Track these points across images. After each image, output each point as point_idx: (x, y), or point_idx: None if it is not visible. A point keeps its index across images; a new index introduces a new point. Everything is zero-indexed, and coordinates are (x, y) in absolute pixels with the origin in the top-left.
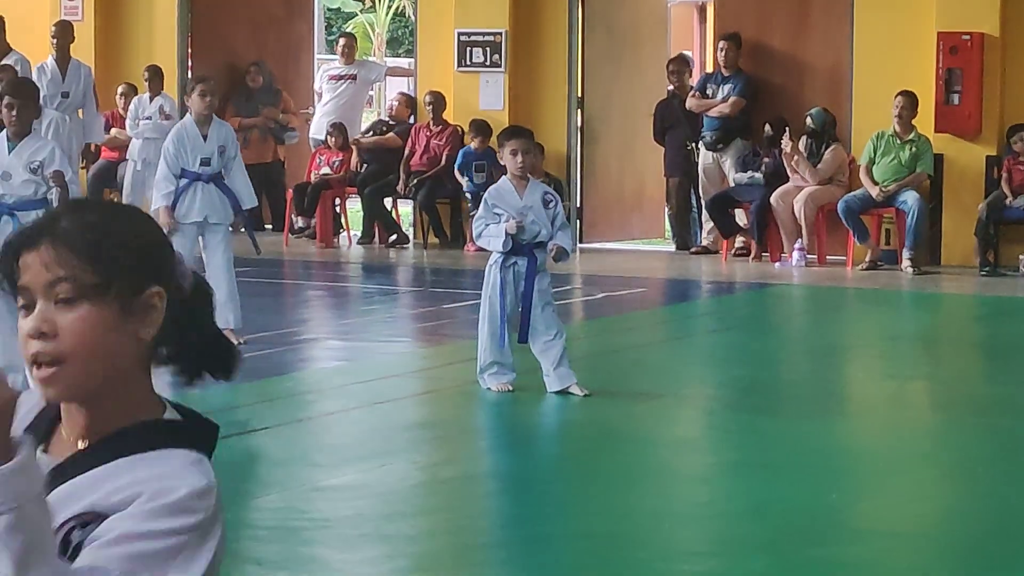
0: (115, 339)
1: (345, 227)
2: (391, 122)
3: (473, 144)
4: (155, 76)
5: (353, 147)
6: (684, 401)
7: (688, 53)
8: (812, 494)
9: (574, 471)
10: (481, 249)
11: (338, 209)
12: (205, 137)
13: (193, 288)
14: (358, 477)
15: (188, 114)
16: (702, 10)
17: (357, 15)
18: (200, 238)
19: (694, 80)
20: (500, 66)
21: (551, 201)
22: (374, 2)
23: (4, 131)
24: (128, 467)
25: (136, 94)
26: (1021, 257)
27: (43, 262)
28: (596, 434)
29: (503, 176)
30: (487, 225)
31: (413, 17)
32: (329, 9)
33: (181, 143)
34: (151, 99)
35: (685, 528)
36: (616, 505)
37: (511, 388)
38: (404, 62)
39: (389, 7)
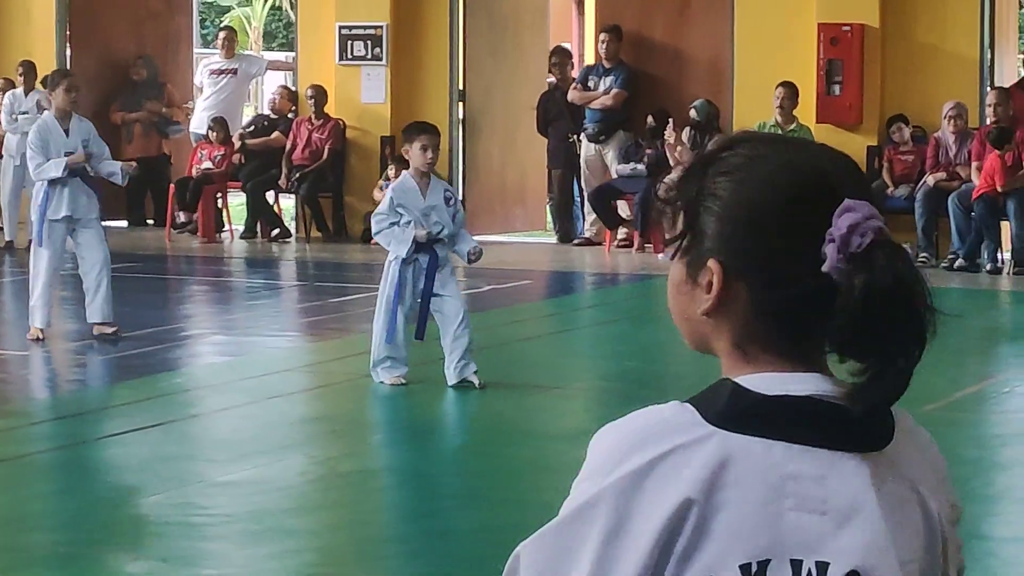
0: (683, 303)
1: (227, 222)
2: (273, 116)
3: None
4: (30, 71)
5: (235, 141)
6: (576, 393)
7: (567, 45)
8: None
9: (471, 464)
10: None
11: (220, 204)
12: (67, 132)
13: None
14: (256, 472)
15: (47, 110)
16: (580, 2)
17: (233, 8)
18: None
19: (576, 72)
20: (381, 59)
21: (451, 199)
22: None
23: None
24: None
25: (14, 88)
26: (903, 245)
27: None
28: (491, 427)
29: (404, 172)
30: (390, 225)
31: (291, 11)
32: (204, 3)
33: (44, 137)
34: (26, 94)
35: None
36: (515, 498)
37: (404, 381)
38: (280, 56)
39: (266, 1)
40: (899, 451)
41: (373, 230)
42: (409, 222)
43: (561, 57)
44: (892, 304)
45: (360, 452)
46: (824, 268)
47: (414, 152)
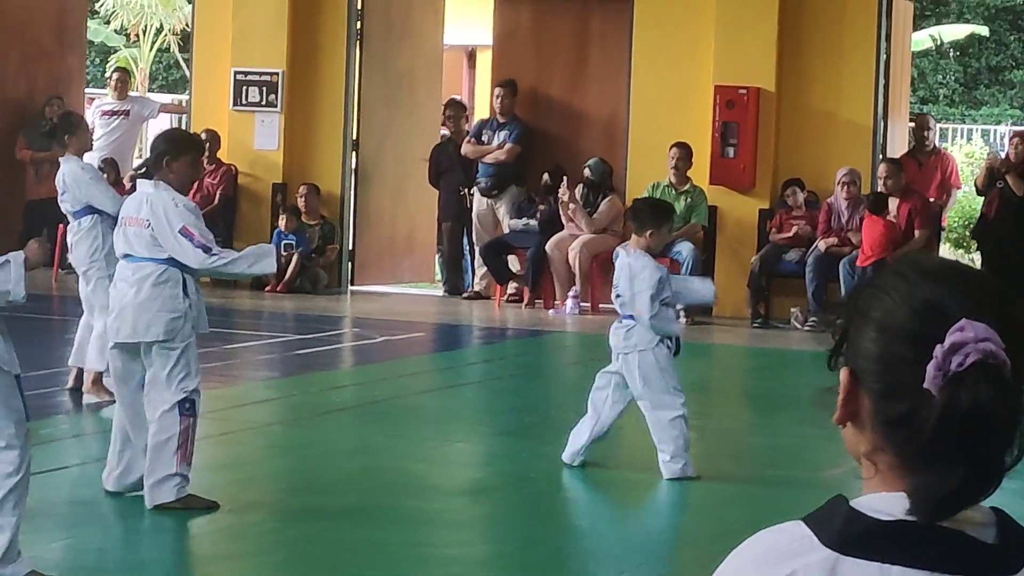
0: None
1: None
2: None
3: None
4: None
5: (126, 183)
6: (477, 447)
7: (456, 97)
8: (612, 549)
9: (375, 518)
10: (270, 288)
11: None
12: None
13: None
14: (167, 519)
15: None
16: (471, 56)
17: (120, 49)
18: None
19: (471, 125)
20: (276, 106)
21: None
22: (139, 37)
23: None
24: None
25: None
26: (792, 310)
27: None
28: (394, 480)
29: (642, 252)
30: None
31: (178, 53)
32: (89, 42)
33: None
34: None
35: None
36: (419, 552)
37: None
38: (165, 98)
39: (153, 43)
40: None
41: (647, 312)
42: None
43: (456, 110)
44: (965, 429)
45: (268, 501)
46: (924, 384)
47: (662, 235)
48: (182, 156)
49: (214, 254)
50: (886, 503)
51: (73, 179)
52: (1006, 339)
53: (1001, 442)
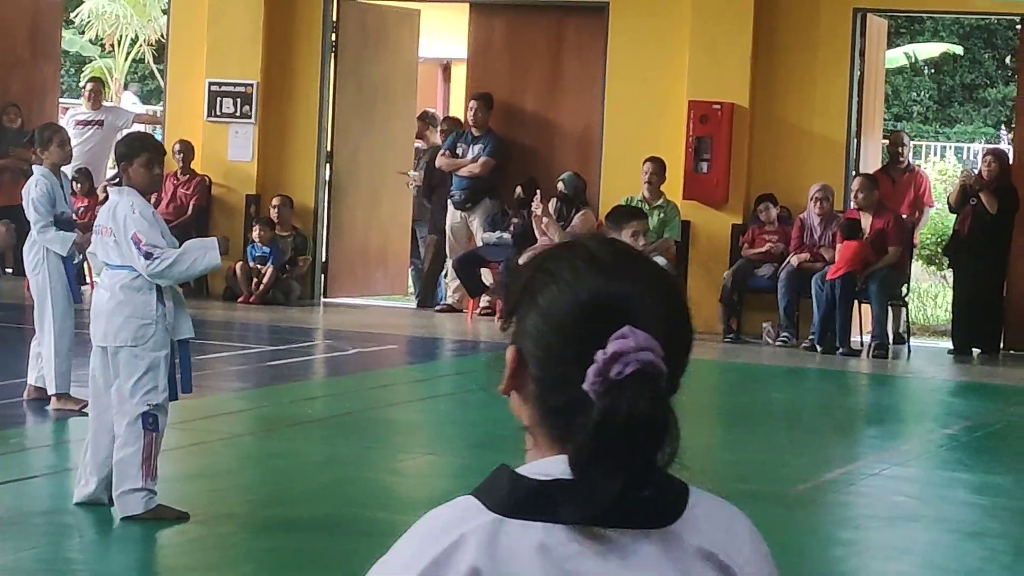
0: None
1: (88, 275)
2: None
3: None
4: None
5: (99, 193)
6: (450, 459)
7: (431, 109)
8: None
9: (349, 529)
10: (243, 299)
11: (82, 256)
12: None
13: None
14: (135, 530)
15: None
16: (446, 68)
17: (95, 60)
18: None
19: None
20: (250, 117)
21: None
22: (114, 47)
23: None
24: None
25: None
26: (764, 325)
27: None
28: (364, 491)
29: None
30: None
31: (154, 64)
32: (64, 52)
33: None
34: None
35: None
36: None
37: None
38: (140, 108)
39: (128, 53)
40: (690, 526)
41: None
42: None
43: (451, 125)
44: (622, 437)
45: (238, 513)
46: (584, 386)
47: (623, 239)
48: (136, 158)
49: (155, 259)
50: (547, 465)
51: (25, 190)
52: (665, 343)
53: (655, 447)
